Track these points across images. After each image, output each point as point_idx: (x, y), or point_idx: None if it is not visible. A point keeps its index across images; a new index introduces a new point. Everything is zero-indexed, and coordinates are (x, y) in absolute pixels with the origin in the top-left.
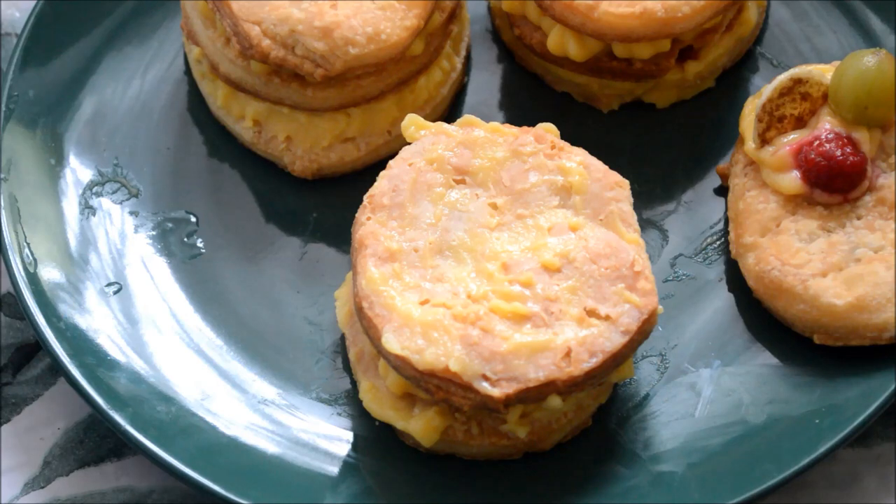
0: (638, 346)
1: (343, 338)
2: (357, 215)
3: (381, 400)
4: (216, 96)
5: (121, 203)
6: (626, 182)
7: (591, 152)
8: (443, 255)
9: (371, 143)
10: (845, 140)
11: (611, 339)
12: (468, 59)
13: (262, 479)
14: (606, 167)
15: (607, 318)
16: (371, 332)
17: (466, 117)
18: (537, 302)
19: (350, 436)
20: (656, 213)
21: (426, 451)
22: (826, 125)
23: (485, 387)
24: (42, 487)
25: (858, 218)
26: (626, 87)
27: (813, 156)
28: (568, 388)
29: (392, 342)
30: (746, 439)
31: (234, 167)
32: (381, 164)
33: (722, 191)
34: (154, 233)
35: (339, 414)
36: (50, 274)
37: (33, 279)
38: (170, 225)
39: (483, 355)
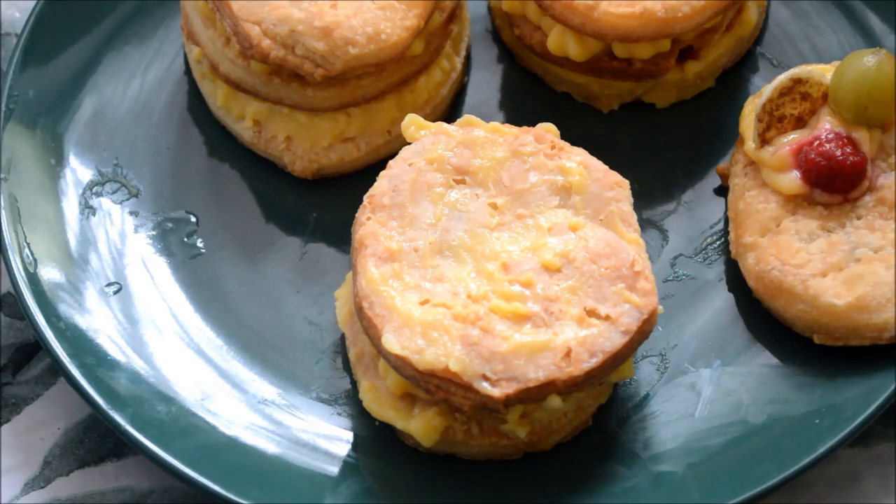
0: (638, 346)
1: (343, 338)
2: (357, 215)
3: (381, 400)
4: (216, 96)
5: (121, 203)
6: (626, 182)
7: (591, 152)
8: (443, 255)
9: (371, 143)
10: (845, 140)
11: (611, 339)
12: (468, 59)
13: (262, 479)
14: (606, 167)
15: (607, 318)
16: (371, 332)
17: (466, 117)
18: (537, 302)
19: (350, 436)
20: (656, 213)
21: (426, 451)
22: (826, 125)
23: (485, 387)
24: (42, 487)
25: (858, 218)
26: (626, 87)
27: (813, 156)
28: (568, 388)
29: (392, 342)
30: (746, 439)
31: (234, 167)
32: (381, 164)
33: (722, 191)
34: (154, 233)
35: (339, 414)
36: (50, 274)
37: (33, 279)
38: (170, 225)
39: (483, 355)
